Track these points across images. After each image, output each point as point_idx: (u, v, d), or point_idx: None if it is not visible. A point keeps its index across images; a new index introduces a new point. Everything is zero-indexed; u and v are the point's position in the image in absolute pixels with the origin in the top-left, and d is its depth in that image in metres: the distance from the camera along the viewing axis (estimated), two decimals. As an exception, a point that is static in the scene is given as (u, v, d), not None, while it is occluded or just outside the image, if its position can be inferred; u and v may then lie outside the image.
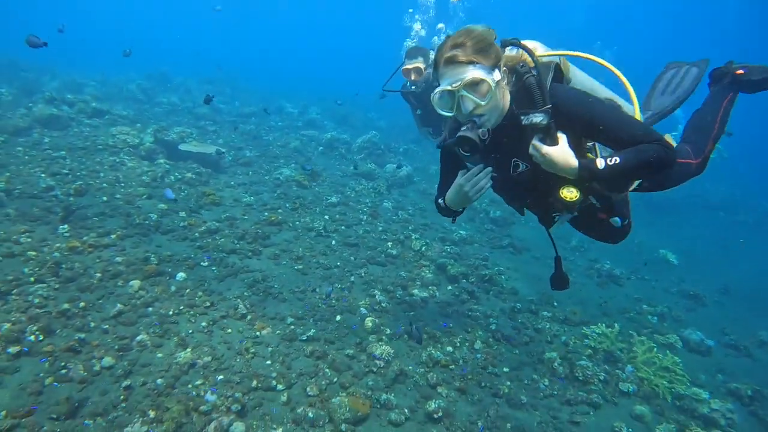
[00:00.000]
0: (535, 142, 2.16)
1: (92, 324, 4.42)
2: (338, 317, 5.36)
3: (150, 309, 4.78)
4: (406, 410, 4.39)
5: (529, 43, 2.56)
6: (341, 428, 4.05)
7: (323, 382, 4.45)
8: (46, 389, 3.73)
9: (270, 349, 4.69)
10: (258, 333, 4.85)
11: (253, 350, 4.61)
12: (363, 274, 6.37)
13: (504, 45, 2.31)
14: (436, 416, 4.39)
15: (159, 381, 4.02)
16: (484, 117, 2.11)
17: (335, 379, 4.53)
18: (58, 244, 5.27)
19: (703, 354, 7.41)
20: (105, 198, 6.49)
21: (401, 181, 10.40)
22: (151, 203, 6.75)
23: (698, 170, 2.88)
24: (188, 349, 4.39)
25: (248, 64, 29.17)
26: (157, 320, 4.65)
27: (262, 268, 5.94)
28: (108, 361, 4.07)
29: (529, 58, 2.25)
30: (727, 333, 8.44)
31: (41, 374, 3.83)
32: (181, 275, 5.33)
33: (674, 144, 2.54)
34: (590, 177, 2.09)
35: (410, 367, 4.92)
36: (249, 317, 5.03)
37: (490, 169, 2.35)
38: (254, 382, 4.24)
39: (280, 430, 3.91)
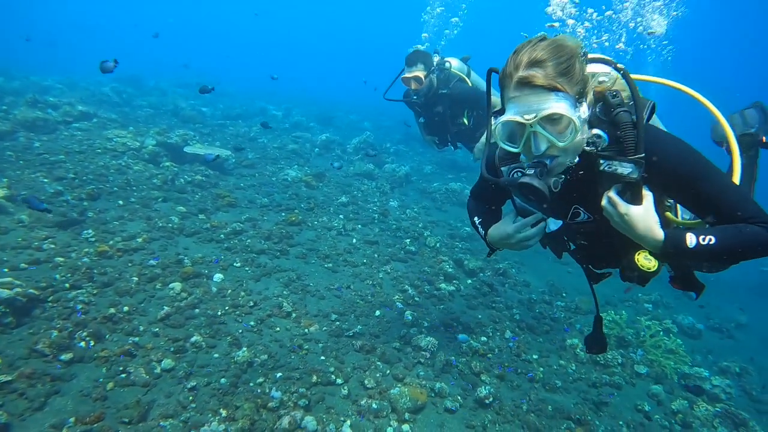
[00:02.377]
0: (613, 195, 1.72)
1: (141, 328, 4.29)
2: (377, 312, 5.38)
3: (197, 310, 4.67)
4: (459, 397, 4.48)
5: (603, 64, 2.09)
6: (405, 417, 4.10)
7: (377, 375, 4.48)
8: (110, 394, 3.61)
9: (321, 345, 4.67)
10: (306, 330, 4.82)
11: (306, 347, 4.57)
12: (389, 270, 6.41)
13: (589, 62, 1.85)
14: (487, 401, 4.49)
15: (222, 380, 3.95)
16: (558, 159, 1.65)
17: (387, 371, 4.56)
18: (86, 249, 5.07)
19: (695, 337, 7.91)
20: (121, 202, 6.27)
21: (401, 181, 10.49)
22: (169, 206, 6.57)
23: None
24: (244, 348, 4.32)
25: (225, 68, 28.68)
26: (206, 321, 4.56)
27: (294, 267, 5.89)
28: (168, 363, 3.97)
29: (623, 85, 1.80)
30: (711, 317, 9.02)
31: (101, 380, 3.70)
32: (218, 276, 5.23)
33: None
34: (674, 254, 1.68)
35: (453, 357, 4.99)
36: (294, 315, 4.99)
37: (544, 226, 2.01)
38: (314, 378, 4.22)
39: (348, 422, 3.90)
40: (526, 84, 1.55)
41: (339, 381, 4.30)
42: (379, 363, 4.64)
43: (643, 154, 1.62)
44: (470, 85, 5.26)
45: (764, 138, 2.61)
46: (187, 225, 6.17)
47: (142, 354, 4.03)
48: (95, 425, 3.32)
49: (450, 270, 6.78)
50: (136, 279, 4.85)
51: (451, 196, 10.17)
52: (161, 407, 3.61)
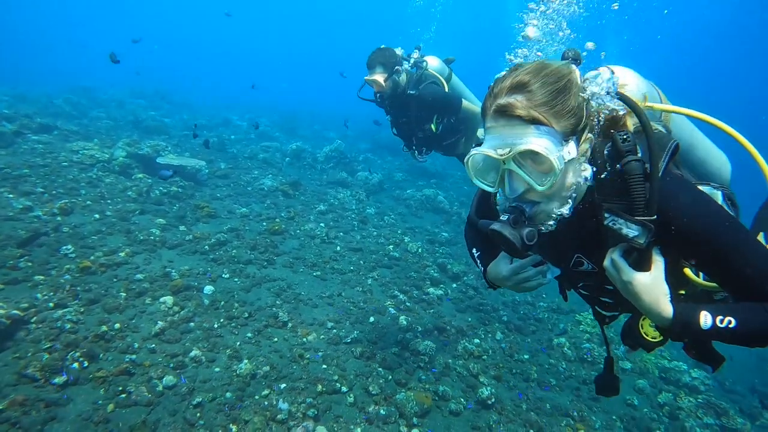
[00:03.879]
0: (617, 258, 1.44)
1: (136, 345, 4.11)
2: (371, 318, 5.36)
3: (192, 324, 4.52)
4: (462, 400, 4.53)
5: (629, 78, 1.75)
6: (413, 421, 4.11)
7: (380, 381, 4.46)
8: (112, 416, 3.43)
9: (321, 353, 4.61)
10: (304, 339, 4.75)
11: (308, 356, 4.50)
12: (377, 277, 6.41)
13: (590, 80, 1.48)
14: (489, 402, 4.57)
15: (228, 394, 3.84)
16: (539, 206, 1.39)
17: (390, 377, 4.56)
18: (67, 265, 4.81)
19: (668, 330, 8.25)
20: (97, 215, 5.99)
21: (375, 188, 10.51)
22: (147, 219, 6.33)
23: None
24: (245, 361, 4.21)
25: (178, 75, 27.91)
26: (203, 335, 4.42)
27: (283, 277, 5.79)
28: (170, 380, 3.82)
29: (635, 123, 1.48)
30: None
31: (99, 401, 3.51)
32: (209, 288, 5.08)
33: None
34: (684, 334, 1.41)
35: (450, 360, 5.04)
36: (290, 325, 4.91)
37: (545, 268, 1.71)
38: (319, 387, 4.17)
39: (359, 429, 3.87)
40: (503, 113, 1.31)
41: (344, 389, 4.26)
42: (380, 369, 4.62)
43: (655, 216, 1.33)
44: (446, 88, 4.76)
45: None
46: (168, 237, 5.96)
47: (140, 372, 3.86)
48: (101, 449, 3.16)
49: (435, 275, 6.85)
50: (124, 294, 4.64)
51: (425, 203, 10.27)
52: (168, 426, 3.47)
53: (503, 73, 1.38)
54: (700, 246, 1.36)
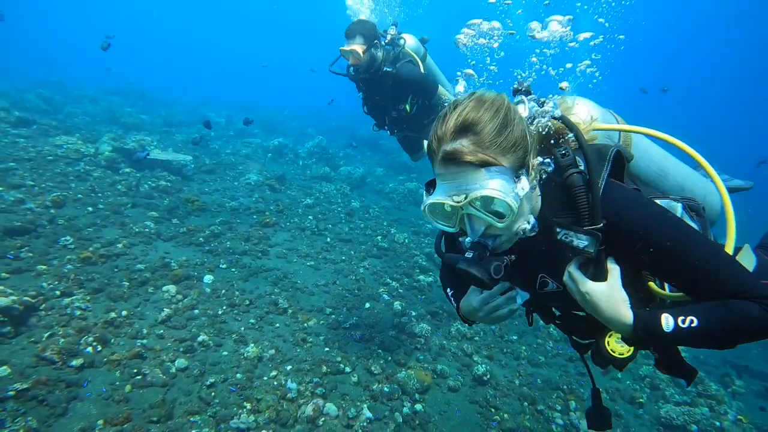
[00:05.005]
0: (573, 270, 1.47)
1: (144, 331, 4.22)
2: (367, 304, 5.59)
3: (196, 311, 4.65)
4: (459, 377, 4.81)
5: (579, 106, 1.80)
6: (415, 397, 4.36)
7: (381, 361, 4.69)
8: (131, 396, 3.57)
9: (322, 337, 4.81)
10: (305, 325, 4.94)
11: (311, 340, 4.70)
12: (368, 266, 6.63)
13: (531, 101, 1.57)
14: (485, 378, 4.86)
15: (238, 375, 4.00)
16: (501, 238, 1.39)
17: (389, 358, 4.79)
18: (68, 256, 4.86)
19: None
20: (90, 208, 6.02)
21: (357, 183, 10.72)
22: (139, 212, 6.38)
23: None
24: (252, 345, 4.37)
25: (150, 71, 27.30)
26: (208, 321, 4.56)
27: (278, 267, 5.96)
28: (182, 362, 3.96)
29: (573, 139, 1.53)
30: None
31: (117, 383, 3.63)
32: (208, 277, 5.21)
33: None
34: (648, 340, 1.39)
35: (445, 341, 5.32)
36: (290, 311, 5.09)
37: (514, 294, 1.68)
38: (324, 368, 4.37)
39: (365, 406, 4.10)
40: (452, 160, 1.28)
41: (347, 369, 4.47)
42: (379, 351, 4.85)
43: (601, 224, 1.36)
44: (422, 69, 4.60)
45: None
46: (162, 230, 6.04)
47: (152, 356, 3.98)
48: (125, 426, 3.29)
49: (424, 263, 7.12)
50: (127, 284, 4.73)
51: (408, 196, 10.55)
52: (184, 405, 3.62)
53: (444, 110, 1.35)
54: (651, 250, 1.36)
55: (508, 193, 1.25)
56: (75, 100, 14.89)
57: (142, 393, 3.62)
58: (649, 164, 1.99)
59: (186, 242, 5.95)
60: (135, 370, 3.77)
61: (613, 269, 1.43)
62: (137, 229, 5.81)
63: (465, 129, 1.26)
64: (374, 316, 5.41)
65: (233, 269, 5.62)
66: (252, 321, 4.76)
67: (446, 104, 1.36)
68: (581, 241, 1.39)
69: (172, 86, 23.23)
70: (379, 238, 7.63)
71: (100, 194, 6.51)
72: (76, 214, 5.83)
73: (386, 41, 4.47)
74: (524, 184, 1.30)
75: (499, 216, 1.31)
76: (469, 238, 1.40)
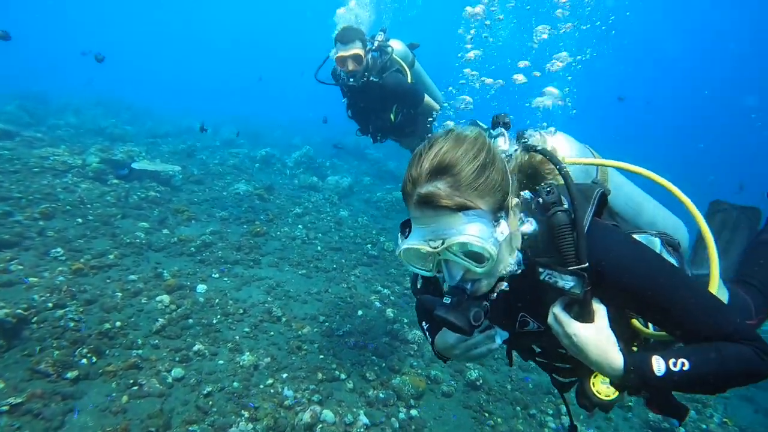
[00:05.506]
0: (558, 311, 1.41)
1: (139, 341, 4.22)
2: (359, 312, 5.64)
3: (190, 320, 4.66)
4: (452, 382, 4.88)
5: (558, 141, 1.77)
6: (411, 403, 4.42)
7: (375, 368, 4.74)
8: (128, 406, 3.56)
9: (316, 344, 4.85)
10: (300, 332, 4.97)
11: (306, 347, 4.73)
12: (359, 274, 6.69)
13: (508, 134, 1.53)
14: (478, 383, 4.94)
15: (235, 384, 4.02)
16: (480, 282, 1.31)
17: (383, 364, 4.85)
18: (60, 268, 4.84)
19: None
20: (80, 220, 5.98)
21: (345, 192, 10.79)
22: (130, 222, 6.36)
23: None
24: (247, 353, 4.40)
25: (137, 86, 26.98)
26: (202, 330, 4.57)
27: (270, 276, 5.98)
28: (178, 372, 3.97)
29: (557, 174, 1.47)
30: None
31: (113, 394, 3.63)
32: (201, 287, 5.21)
33: None
34: (638, 385, 1.32)
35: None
36: (284, 319, 5.11)
37: (493, 333, 1.59)
38: (319, 375, 4.41)
39: (361, 411, 4.14)
40: (427, 204, 1.19)
41: (343, 376, 4.51)
42: (373, 357, 4.90)
43: (586, 264, 1.31)
44: (409, 76, 4.55)
45: None
46: (153, 240, 6.03)
47: (148, 366, 3.99)
48: (122, 437, 3.29)
49: (413, 271, 7.18)
50: (120, 294, 4.72)
51: (395, 205, 10.63)
52: (182, 414, 3.63)
53: (419, 148, 1.27)
54: (637, 292, 1.33)
55: (487, 238, 1.18)
56: (58, 111, 14.72)
57: (139, 403, 3.62)
58: (625, 199, 1.98)
59: (177, 252, 5.95)
60: (131, 381, 3.77)
61: (600, 309, 1.38)
62: (128, 240, 5.79)
63: (441, 170, 1.18)
64: (367, 323, 5.46)
65: (226, 278, 5.63)
66: (246, 329, 4.78)
67: (422, 143, 1.29)
68: (567, 282, 1.34)
69: (156, 97, 23.06)
70: (369, 246, 7.70)
71: (89, 205, 6.48)
72: (65, 225, 5.80)
73: (374, 48, 4.46)
74: (504, 228, 1.24)
75: (478, 261, 1.24)
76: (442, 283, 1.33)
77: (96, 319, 4.34)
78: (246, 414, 3.75)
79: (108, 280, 4.93)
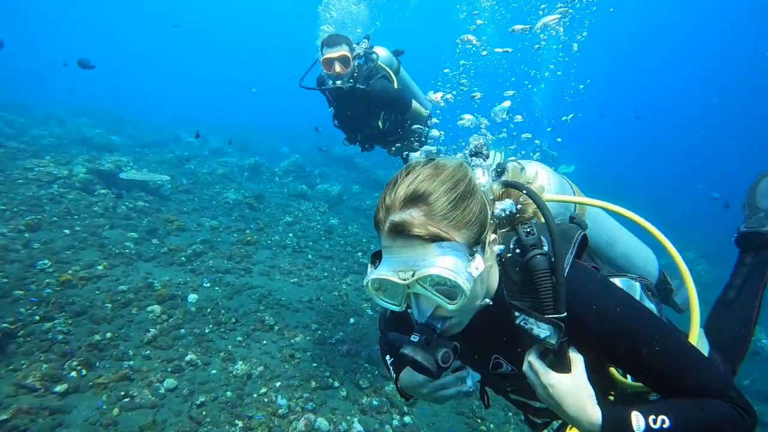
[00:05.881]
0: (533, 360, 1.34)
1: (130, 352, 4.17)
2: (351, 320, 5.63)
3: (182, 330, 4.61)
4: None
5: (537, 174, 1.64)
6: (404, 410, 4.41)
7: (368, 375, 4.73)
8: (119, 419, 3.51)
9: (309, 353, 4.83)
10: (292, 340, 4.94)
11: (299, 355, 4.71)
12: (350, 282, 6.68)
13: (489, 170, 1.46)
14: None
15: (228, 394, 3.98)
16: (451, 321, 1.25)
17: (376, 372, 4.83)
18: (47, 280, 4.77)
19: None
20: (67, 231, 5.91)
21: (335, 200, 10.79)
22: (118, 233, 6.29)
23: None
24: (239, 362, 4.36)
25: (122, 95, 26.75)
26: (195, 340, 4.53)
27: (261, 284, 5.95)
28: (171, 382, 3.92)
29: (537, 212, 1.43)
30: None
31: (103, 407, 3.58)
32: (193, 296, 5.17)
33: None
34: None
35: (429, 354, 5.39)
36: (277, 328, 5.08)
37: (464, 374, 1.53)
38: (313, 383, 4.39)
39: (355, 419, 4.13)
40: (399, 232, 1.13)
41: (336, 384, 4.49)
42: (366, 365, 4.89)
43: (564, 314, 1.23)
44: (395, 83, 4.52)
45: None
46: (143, 250, 5.97)
47: (140, 377, 3.94)
48: (115, 450, 3.24)
49: (404, 277, 7.20)
50: (110, 305, 4.66)
51: (385, 212, 10.65)
52: (175, 426, 3.59)
53: (396, 174, 1.22)
54: (613, 345, 1.28)
55: (460, 272, 1.11)
56: (41, 122, 14.54)
57: (130, 415, 3.57)
58: (600, 233, 1.96)
59: (168, 262, 5.89)
60: (122, 393, 3.72)
61: (577, 360, 1.31)
62: (117, 251, 5.73)
63: (416, 199, 1.13)
64: (360, 330, 5.45)
65: (217, 288, 5.58)
66: (239, 338, 4.75)
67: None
68: (542, 331, 1.26)
69: (142, 107, 22.93)
70: (359, 254, 7.70)
71: (76, 216, 6.40)
72: (52, 237, 5.72)
73: (360, 54, 4.43)
74: (479, 263, 1.17)
75: (450, 297, 1.17)
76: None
77: (85, 330, 4.28)
78: (240, 423, 3.71)
79: (97, 291, 4.87)
